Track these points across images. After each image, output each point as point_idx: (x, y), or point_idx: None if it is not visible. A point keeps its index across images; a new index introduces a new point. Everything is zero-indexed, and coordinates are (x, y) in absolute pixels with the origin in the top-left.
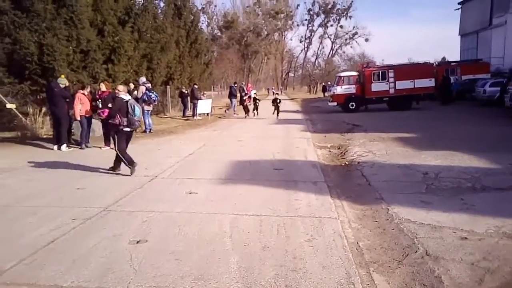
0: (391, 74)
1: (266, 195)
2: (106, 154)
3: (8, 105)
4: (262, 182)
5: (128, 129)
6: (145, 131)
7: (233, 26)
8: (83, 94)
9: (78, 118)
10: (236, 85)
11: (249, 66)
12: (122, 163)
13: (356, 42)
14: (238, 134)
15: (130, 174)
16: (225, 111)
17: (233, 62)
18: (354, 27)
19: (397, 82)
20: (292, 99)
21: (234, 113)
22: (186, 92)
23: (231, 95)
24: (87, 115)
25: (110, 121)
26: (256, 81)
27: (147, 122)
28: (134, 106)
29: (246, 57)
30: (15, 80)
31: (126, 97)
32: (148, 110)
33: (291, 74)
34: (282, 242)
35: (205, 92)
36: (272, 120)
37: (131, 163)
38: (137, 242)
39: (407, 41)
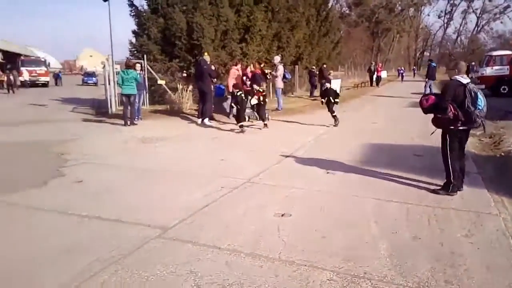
0: None
1: (409, 182)
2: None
3: (159, 81)
4: (403, 168)
5: (464, 127)
6: (277, 109)
7: (364, 2)
8: (237, 69)
9: (230, 90)
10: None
11: (378, 45)
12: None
13: (508, 17)
14: (370, 116)
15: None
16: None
17: (362, 40)
18: None
19: None
20: None
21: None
22: (314, 70)
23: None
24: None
25: (438, 115)
26: (386, 61)
27: (280, 101)
28: (477, 94)
29: (376, 36)
30: (166, 58)
31: (464, 80)
32: (280, 88)
33: (426, 53)
34: (435, 234)
35: (331, 71)
36: (407, 102)
37: (453, 189)
38: (282, 215)
39: None
